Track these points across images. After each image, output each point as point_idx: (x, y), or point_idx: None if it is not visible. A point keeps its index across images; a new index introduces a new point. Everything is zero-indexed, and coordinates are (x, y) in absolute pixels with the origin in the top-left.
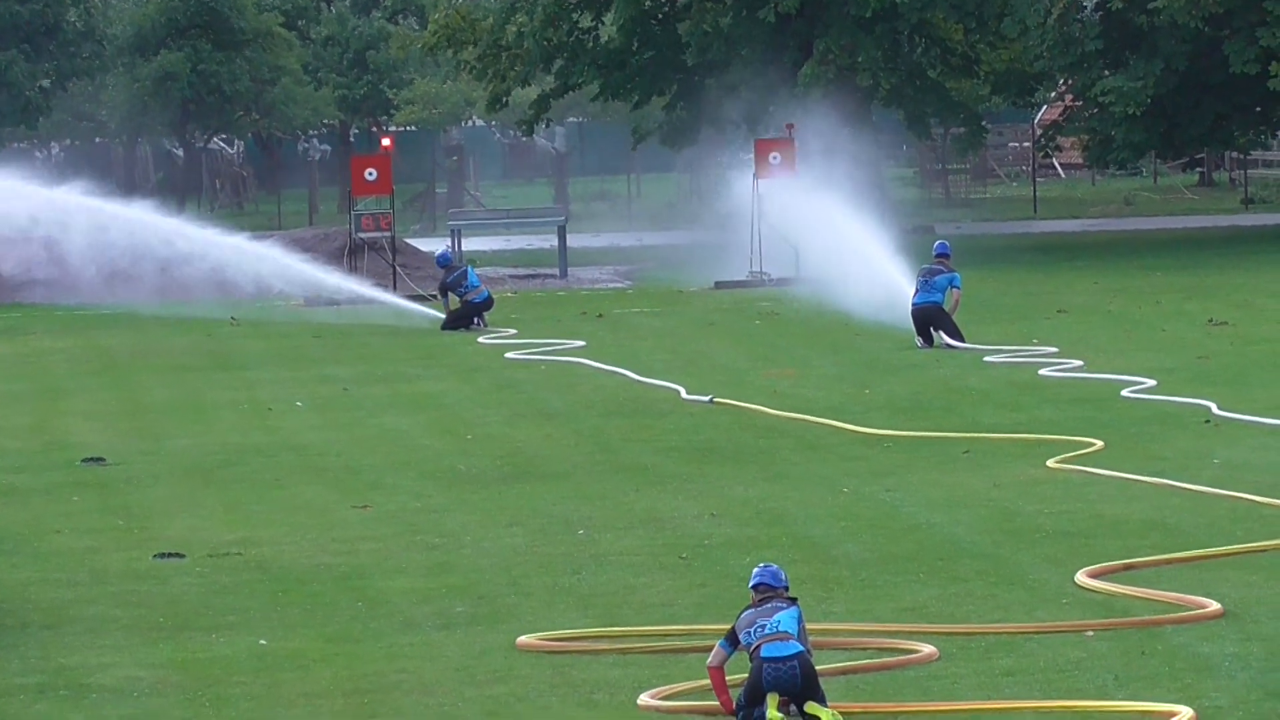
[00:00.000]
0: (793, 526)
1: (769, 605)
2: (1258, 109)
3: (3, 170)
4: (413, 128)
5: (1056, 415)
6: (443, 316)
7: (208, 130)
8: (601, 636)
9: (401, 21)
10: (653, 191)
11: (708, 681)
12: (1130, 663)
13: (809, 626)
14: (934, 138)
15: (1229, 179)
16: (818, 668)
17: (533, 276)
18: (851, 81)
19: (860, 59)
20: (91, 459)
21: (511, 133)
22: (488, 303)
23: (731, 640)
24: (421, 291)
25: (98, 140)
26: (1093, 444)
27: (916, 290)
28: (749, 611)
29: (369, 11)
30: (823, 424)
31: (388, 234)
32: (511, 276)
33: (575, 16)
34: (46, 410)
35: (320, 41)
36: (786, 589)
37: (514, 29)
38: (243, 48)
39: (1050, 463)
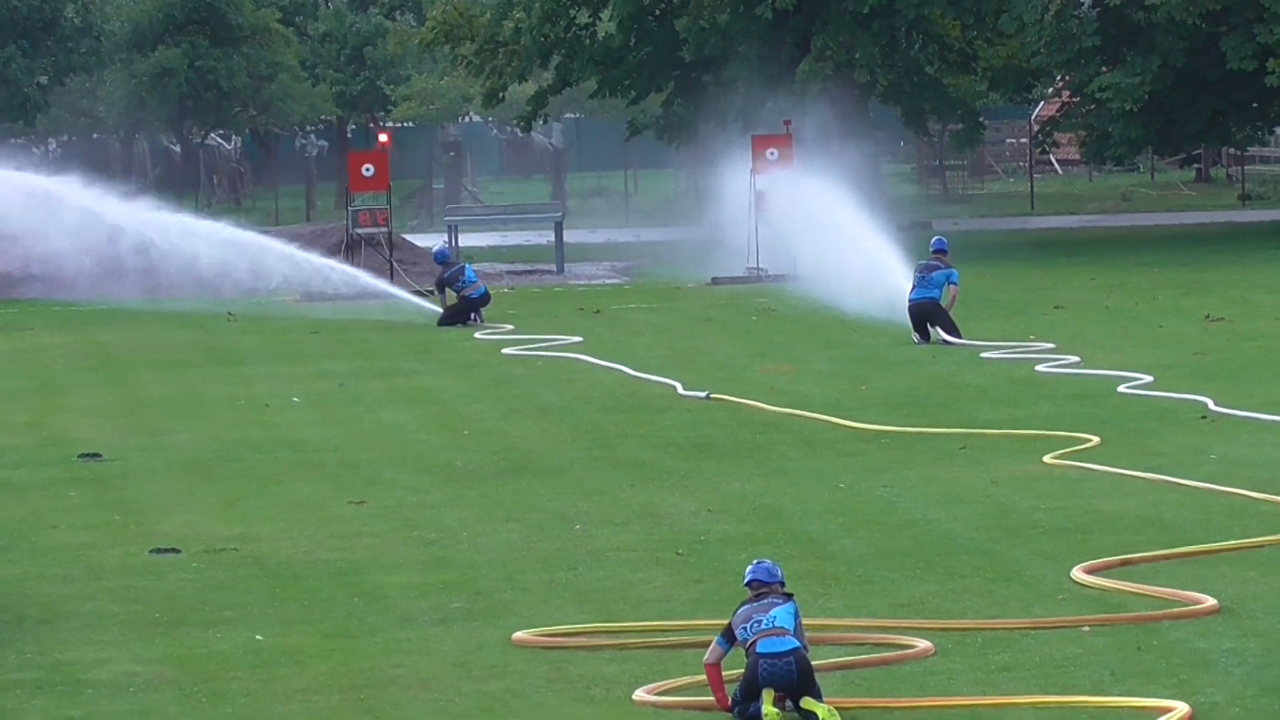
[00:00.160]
0: (789, 522)
1: (765, 601)
2: (1255, 105)
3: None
4: (410, 124)
5: (1053, 411)
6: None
7: (205, 126)
8: (598, 632)
9: (399, 17)
10: (650, 187)
11: (704, 677)
12: (1126, 658)
13: (805, 622)
14: (931, 134)
15: (1226, 175)
16: (814, 663)
17: (530, 272)
18: (849, 78)
19: (858, 55)
20: (88, 454)
21: (509, 129)
22: (484, 298)
23: (728, 637)
24: (418, 287)
25: (95, 136)
26: (1089, 440)
27: (914, 286)
28: (745, 607)
29: (366, 7)
30: (819, 420)
31: (385, 230)
32: (508, 272)
33: (573, 13)
34: (43, 406)
35: (318, 37)
36: (782, 584)
37: (511, 25)
38: (240, 44)
39: (1047, 459)
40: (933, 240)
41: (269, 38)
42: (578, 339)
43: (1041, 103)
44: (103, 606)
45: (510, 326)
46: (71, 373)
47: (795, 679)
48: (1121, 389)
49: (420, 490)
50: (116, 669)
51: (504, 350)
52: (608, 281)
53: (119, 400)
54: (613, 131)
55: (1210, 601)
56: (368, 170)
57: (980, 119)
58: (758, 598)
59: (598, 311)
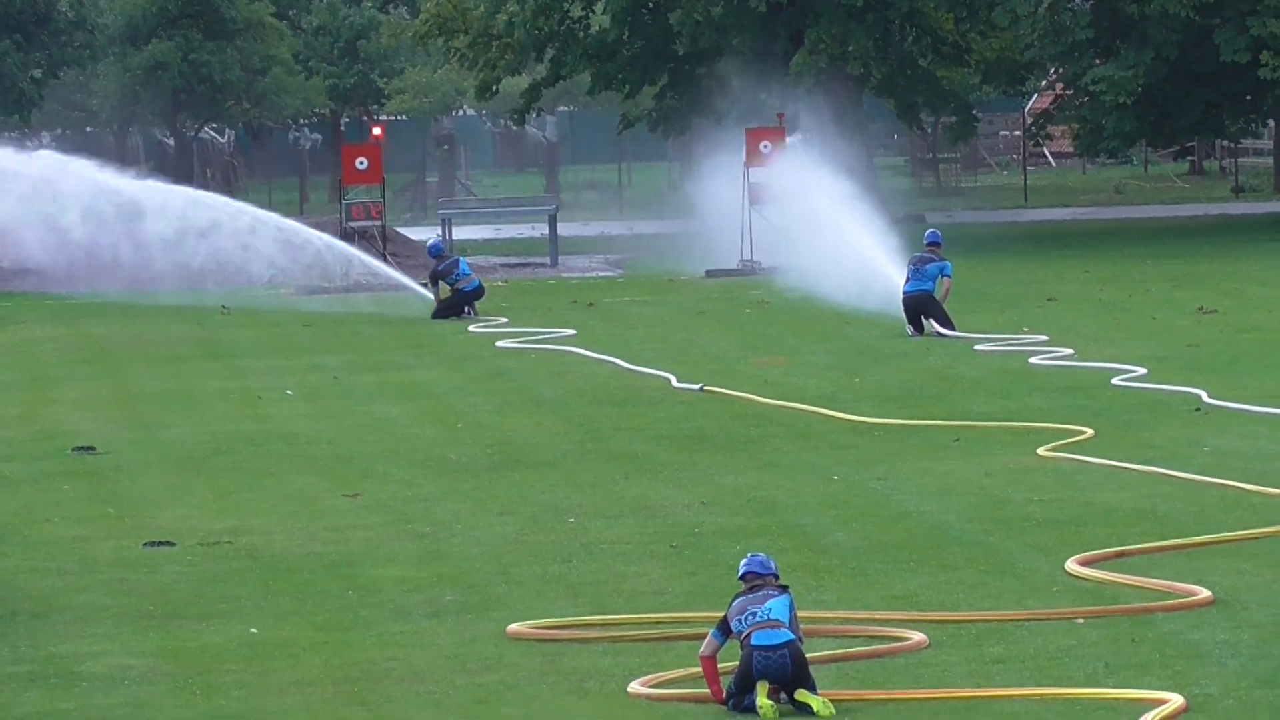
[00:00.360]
0: (783, 515)
1: (760, 593)
2: (1248, 98)
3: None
4: (403, 117)
5: (1047, 403)
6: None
7: (199, 119)
8: (592, 625)
9: (392, 11)
10: (643, 180)
11: (698, 669)
12: (1120, 650)
13: (799, 614)
14: (925, 127)
15: (1219, 167)
16: (808, 655)
17: (523, 265)
18: (842, 70)
19: (851, 48)
20: (82, 448)
21: (502, 122)
22: (478, 292)
23: (723, 629)
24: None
25: (89, 129)
26: (1083, 432)
27: (907, 279)
28: (740, 599)
29: (359, 1)
30: (813, 412)
31: (378, 223)
32: (502, 265)
33: (566, 6)
34: (37, 399)
35: (311, 31)
36: (776, 577)
37: (504, 18)
38: (234, 37)
39: (1041, 451)
40: (926, 233)
41: (262, 31)
42: (571, 332)
43: (1035, 95)
44: (96, 599)
45: (504, 319)
46: (65, 366)
47: (790, 671)
48: (1115, 381)
49: (414, 483)
50: (110, 662)
51: (498, 343)
52: (601, 274)
53: (112, 393)
54: (606, 124)
55: (1204, 593)
56: (361, 163)
57: (973, 112)
58: (752, 590)
59: (591, 304)
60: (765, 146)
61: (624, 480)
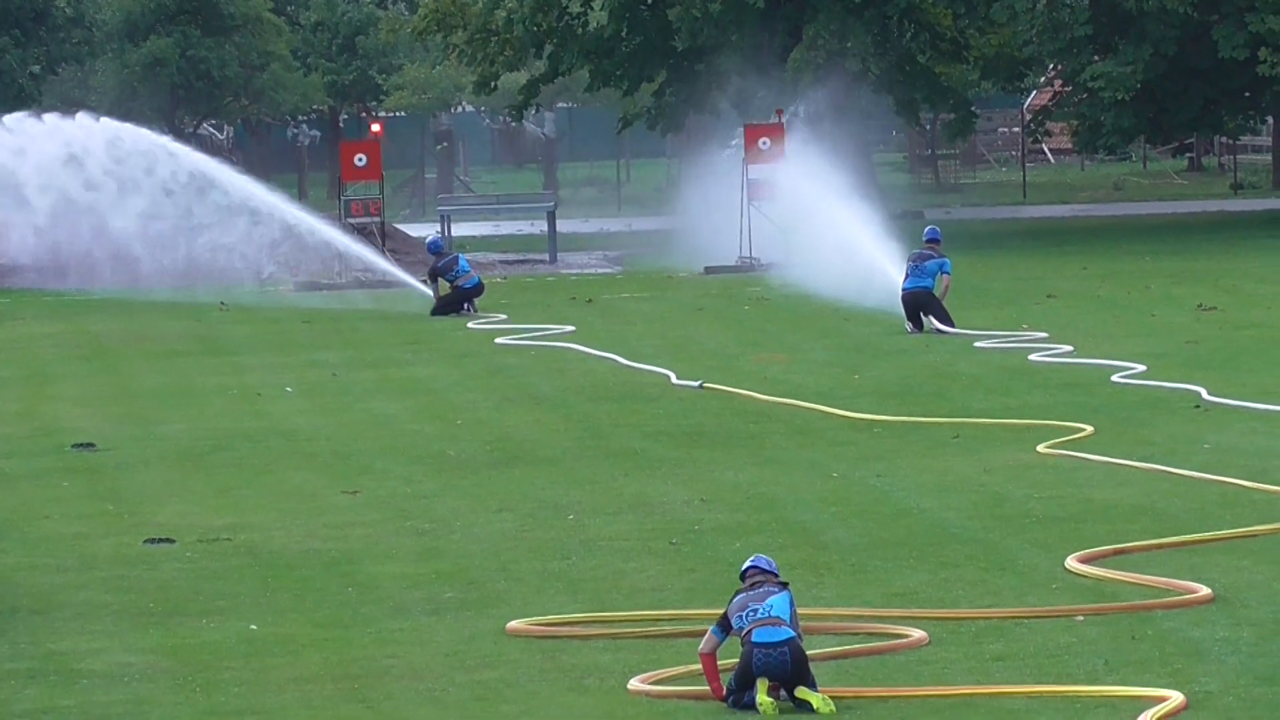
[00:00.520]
0: (783, 511)
1: (761, 589)
2: (1246, 94)
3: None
4: (402, 113)
5: (1046, 400)
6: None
7: (197, 116)
8: (591, 621)
9: (391, 6)
10: (642, 177)
11: (698, 666)
12: (1120, 647)
13: (798, 611)
14: (923, 123)
15: (1218, 164)
16: (808, 653)
17: (522, 262)
18: (841, 67)
19: (850, 44)
20: (81, 444)
21: (501, 118)
22: (478, 289)
23: (724, 626)
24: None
25: None
26: (1083, 429)
27: (906, 275)
28: (741, 595)
29: None
30: (812, 409)
31: (377, 219)
32: (501, 262)
33: (565, 2)
34: (35, 396)
35: (309, 27)
36: (775, 577)
37: (503, 14)
38: (232, 33)
39: (1040, 448)
40: (925, 230)
41: (260, 27)
42: (570, 328)
43: (1033, 92)
44: (96, 596)
45: (503, 316)
46: (63, 362)
47: (790, 668)
48: (1115, 378)
49: (413, 480)
50: (110, 659)
51: (497, 340)
52: (600, 271)
53: (111, 390)
54: (605, 121)
55: (1204, 590)
56: (360, 160)
57: (972, 108)
58: (753, 586)
59: (590, 301)
60: (764, 143)
61: (623, 477)
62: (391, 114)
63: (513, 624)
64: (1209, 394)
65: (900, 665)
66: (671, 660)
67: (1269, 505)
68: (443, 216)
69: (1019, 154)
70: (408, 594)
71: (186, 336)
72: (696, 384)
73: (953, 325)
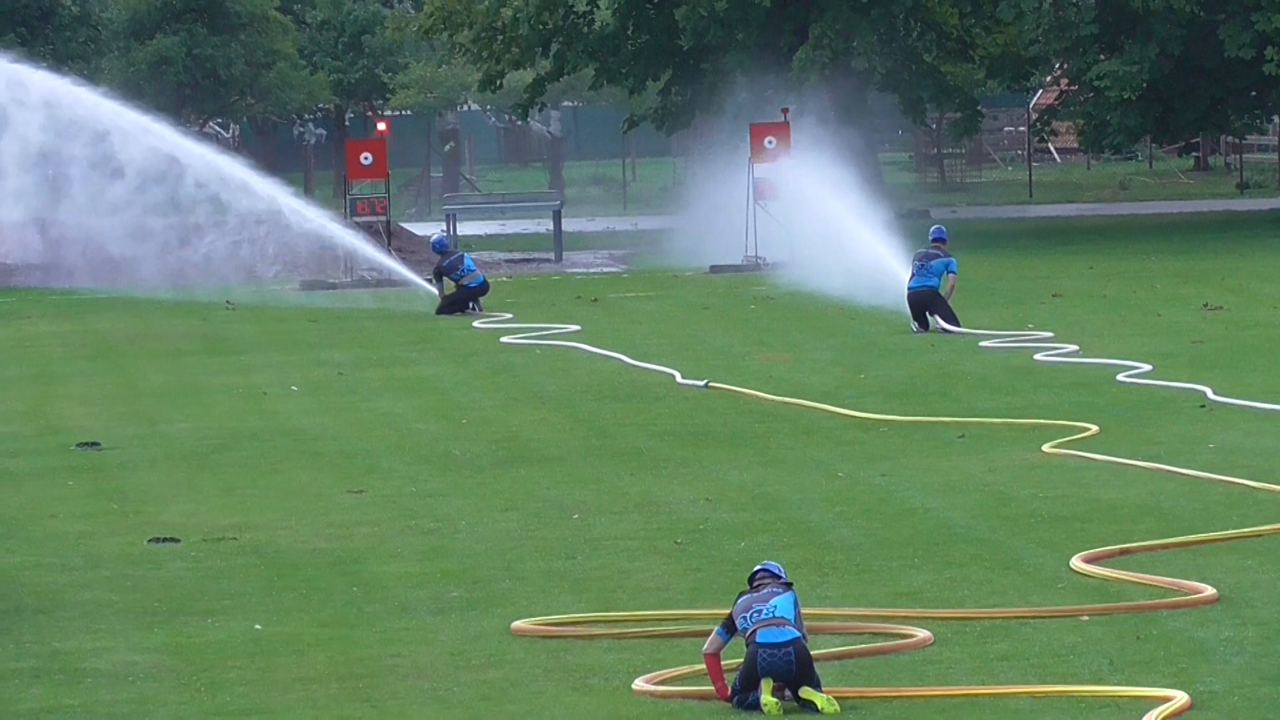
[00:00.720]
0: (788, 511)
1: (766, 590)
2: (1253, 93)
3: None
4: (408, 112)
5: (1052, 400)
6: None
7: (203, 114)
8: (596, 621)
9: (396, 5)
10: (648, 175)
11: (703, 666)
12: (1125, 647)
13: (803, 611)
14: (929, 122)
15: (1224, 163)
16: (813, 653)
17: (528, 261)
18: (847, 66)
19: (856, 43)
20: (86, 443)
21: (507, 117)
22: (483, 288)
23: (729, 627)
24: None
25: None
26: (1088, 429)
27: (912, 274)
28: (745, 596)
29: None
30: (818, 408)
31: (383, 218)
32: (507, 261)
33: (570, 1)
34: (41, 394)
35: (316, 25)
36: (783, 581)
37: (509, 12)
38: (238, 32)
39: (1045, 447)
40: (932, 229)
41: (267, 25)
42: (576, 328)
43: (1039, 91)
44: (101, 595)
45: (509, 315)
46: (69, 361)
47: (794, 669)
48: (1120, 378)
49: (418, 479)
50: (115, 658)
51: (502, 339)
52: (606, 270)
53: (117, 389)
54: (611, 119)
55: (1209, 590)
56: (366, 159)
57: (978, 107)
58: (757, 587)
59: (596, 300)
60: (770, 142)
61: (628, 476)
62: (397, 113)
63: (517, 623)
64: (1214, 394)
65: (905, 665)
66: (676, 660)
67: (1274, 505)
68: (448, 215)
69: (1025, 153)
70: (413, 593)
71: (192, 336)
72: (702, 383)
73: (958, 324)
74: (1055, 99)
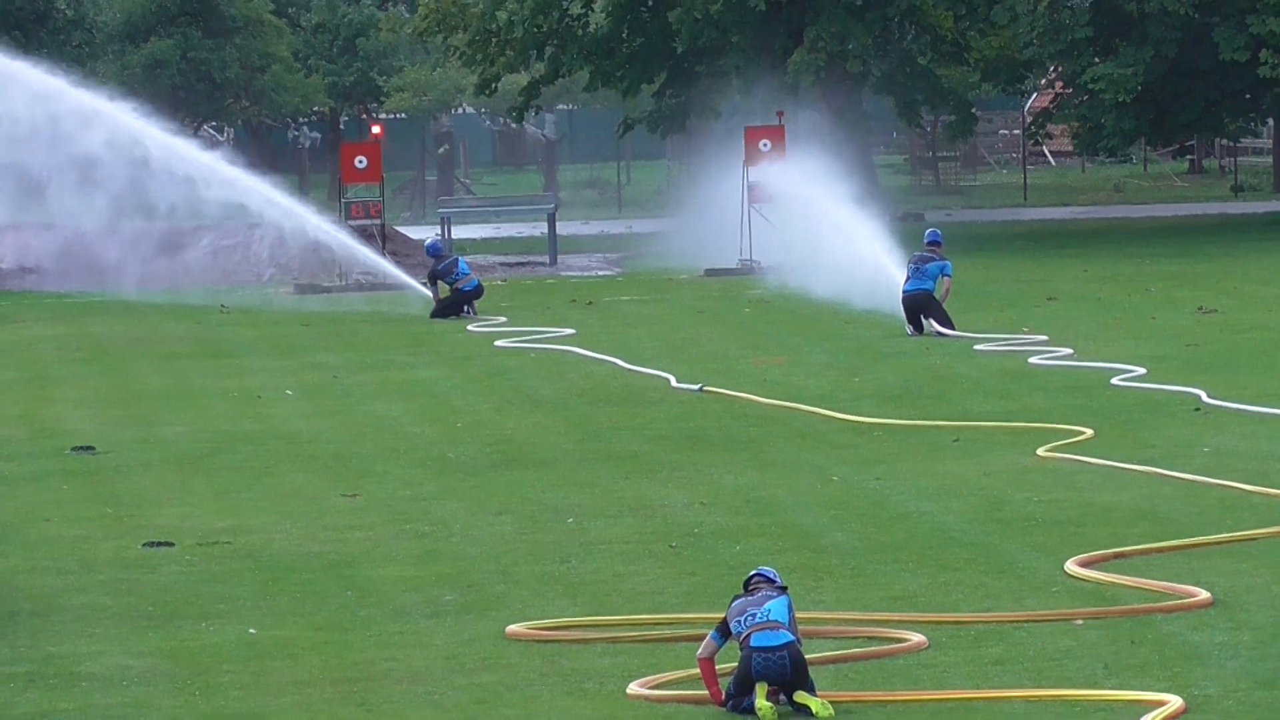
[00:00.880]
0: (782, 515)
1: (760, 594)
2: (1247, 96)
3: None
4: (403, 115)
5: (1046, 403)
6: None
7: (198, 118)
8: (591, 625)
9: (391, 9)
10: (643, 179)
11: (697, 671)
12: (1120, 651)
13: (797, 615)
14: (924, 125)
15: (1219, 166)
16: (807, 657)
17: (522, 264)
18: (842, 69)
19: (850, 46)
20: (81, 447)
21: (501, 120)
22: (478, 291)
23: (723, 631)
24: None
25: None
26: (1083, 432)
27: (907, 278)
28: (739, 600)
29: None
30: (812, 412)
31: (378, 222)
32: (501, 264)
33: (565, 4)
34: (36, 398)
35: (310, 29)
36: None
37: (504, 15)
38: (233, 35)
39: (1040, 451)
40: (926, 232)
41: (261, 29)
42: (570, 331)
43: (1034, 94)
44: (96, 599)
45: (503, 319)
46: (64, 364)
47: (789, 672)
48: (1115, 381)
49: (413, 483)
50: (109, 662)
51: (497, 343)
52: (601, 273)
53: (112, 392)
54: (605, 123)
55: (1203, 594)
56: (361, 162)
57: (973, 110)
58: (751, 592)
59: (590, 303)
60: (765, 145)
61: (623, 480)
62: (392, 116)
63: (512, 627)
64: (1209, 397)
65: (899, 669)
66: (671, 664)
67: (1269, 509)
68: (443, 218)
69: (1020, 156)
70: (407, 597)
71: (187, 339)
72: (697, 387)
73: (953, 328)
74: (1050, 102)
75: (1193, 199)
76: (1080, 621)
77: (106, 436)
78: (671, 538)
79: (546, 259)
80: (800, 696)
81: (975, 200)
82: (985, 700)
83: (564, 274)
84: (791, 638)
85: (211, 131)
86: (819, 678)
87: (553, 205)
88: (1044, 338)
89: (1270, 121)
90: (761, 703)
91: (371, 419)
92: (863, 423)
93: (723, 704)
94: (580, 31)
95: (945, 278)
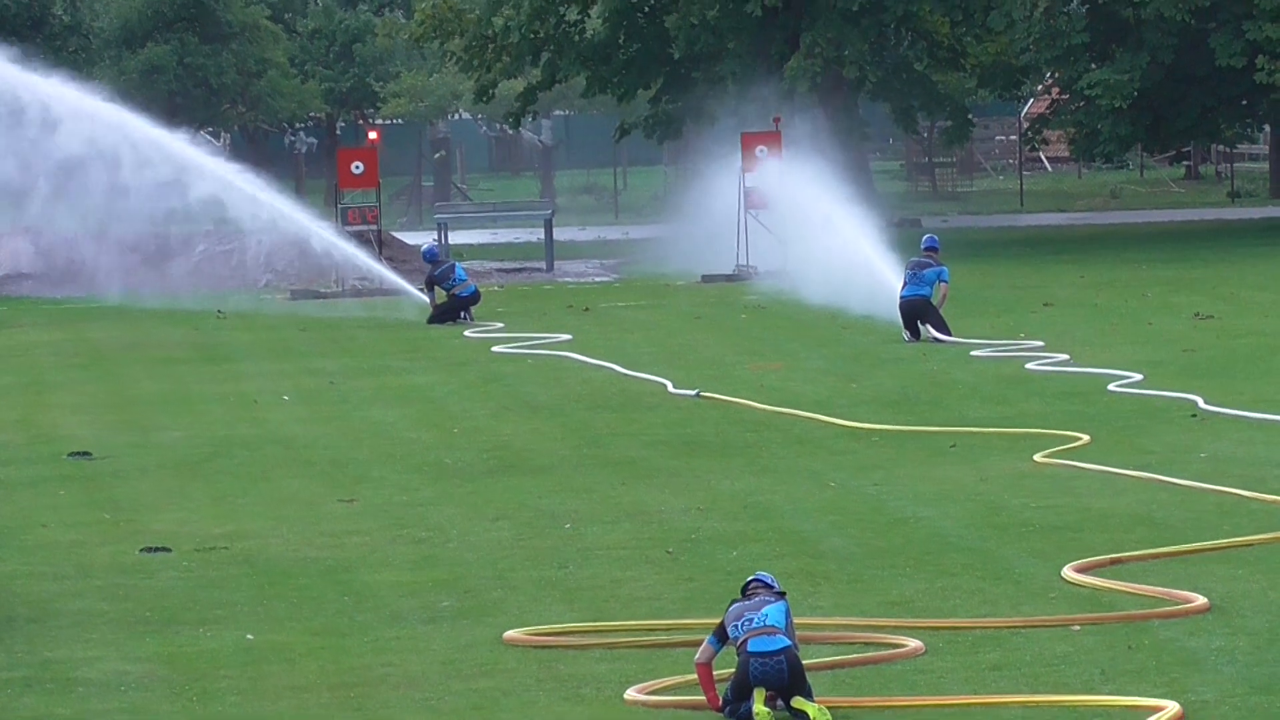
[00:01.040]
0: (780, 520)
1: (757, 599)
2: (1244, 102)
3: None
4: (399, 121)
5: (1043, 409)
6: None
7: (194, 123)
8: (588, 631)
9: (388, 15)
10: (639, 184)
11: (695, 676)
12: (1117, 657)
13: (795, 620)
14: (921, 131)
15: (1215, 172)
16: (804, 662)
17: (519, 270)
18: (838, 74)
19: (847, 52)
20: (78, 452)
21: (498, 126)
22: (474, 297)
23: (720, 636)
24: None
25: None
26: (1079, 438)
27: (904, 283)
28: (737, 604)
29: (355, 4)
30: (810, 418)
31: (374, 227)
32: (498, 270)
33: (562, 9)
34: (33, 403)
35: (307, 34)
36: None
37: (501, 21)
38: (229, 40)
39: (1037, 457)
40: (924, 238)
41: (258, 34)
42: (567, 337)
43: (1031, 100)
44: (93, 605)
45: (500, 324)
46: (61, 370)
47: (786, 678)
48: (1111, 387)
49: (410, 488)
50: (107, 667)
51: (494, 348)
52: (597, 279)
53: (109, 398)
54: (602, 128)
55: (1200, 600)
56: (357, 167)
57: (969, 116)
58: (749, 596)
59: (587, 309)
60: (761, 151)
61: (620, 485)
62: (388, 121)
63: (509, 633)
64: (1206, 403)
65: (897, 675)
66: (668, 670)
67: (1266, 514)
68: (440, 224)
69: (1016, 162)
70: (404, 602)
71: (184, 344)
72: (694, 393)
73: (950, 334)
74: (1046, 108)
75: (1189, 205)
76: (1077, 627)
77: (103, 442)
78: (669, 543)
79: (543, 265)
80: (798, 702)
81: (972, 206)
82: (982, 706)
83: (561, 280)
84: (788, 643)
85: (208, 137)
86: (816, 683)
87: (549, 211)
88: (1040, 343)
89: (1267, 127)
90: (759, 708)
91: (368, 424)
92: (860, 428)
93: (720, 709)
94: (577, 37)
95: (942, 283)
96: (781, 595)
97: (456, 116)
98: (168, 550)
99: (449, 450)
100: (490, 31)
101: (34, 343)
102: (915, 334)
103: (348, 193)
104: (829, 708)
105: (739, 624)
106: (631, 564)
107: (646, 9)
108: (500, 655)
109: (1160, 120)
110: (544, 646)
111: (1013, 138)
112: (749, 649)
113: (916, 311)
